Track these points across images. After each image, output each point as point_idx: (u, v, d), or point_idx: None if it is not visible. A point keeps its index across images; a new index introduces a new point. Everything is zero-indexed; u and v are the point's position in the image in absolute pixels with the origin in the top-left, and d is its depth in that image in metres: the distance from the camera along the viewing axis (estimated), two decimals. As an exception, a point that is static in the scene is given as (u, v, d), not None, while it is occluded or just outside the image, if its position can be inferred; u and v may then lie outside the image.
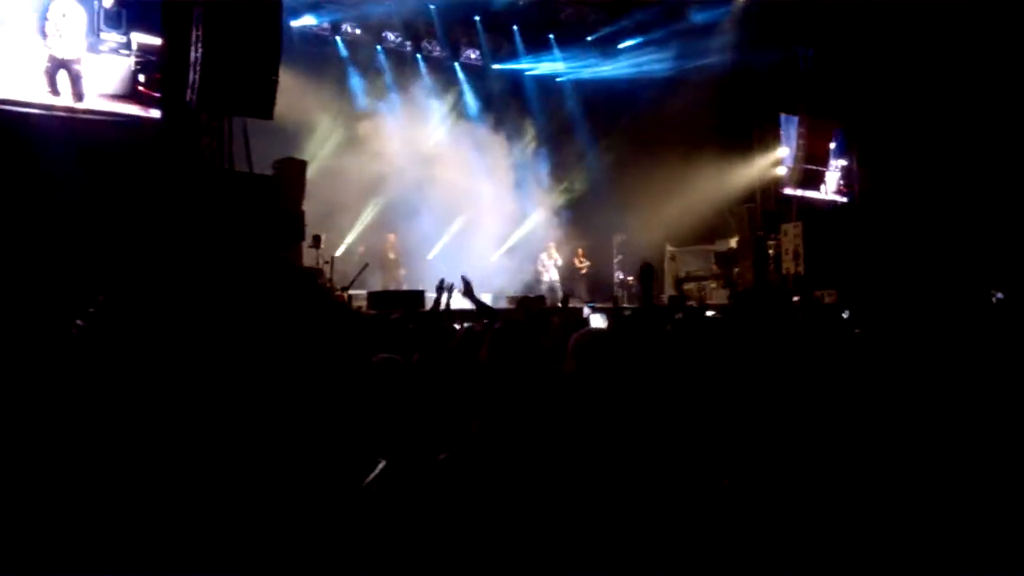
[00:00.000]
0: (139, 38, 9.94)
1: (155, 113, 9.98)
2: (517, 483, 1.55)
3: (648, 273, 4.45)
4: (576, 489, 1.70)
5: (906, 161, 15.65)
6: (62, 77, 9.45)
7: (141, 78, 9.96)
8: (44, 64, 9.35)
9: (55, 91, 9.38)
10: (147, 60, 9.99)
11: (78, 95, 9.50)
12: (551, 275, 15.90)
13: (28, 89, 9.27)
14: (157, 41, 10.05)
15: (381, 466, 1.06)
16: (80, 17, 9.54)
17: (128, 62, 9.90)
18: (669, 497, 1.90)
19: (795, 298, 12.02)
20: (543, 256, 16.05)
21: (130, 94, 9.91)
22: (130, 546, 0.75)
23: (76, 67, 9.52)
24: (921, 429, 2.53)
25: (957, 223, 14.34)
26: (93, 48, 9.69)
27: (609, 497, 1.75)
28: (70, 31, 9.47)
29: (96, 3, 9.67)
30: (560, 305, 9.43)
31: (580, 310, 10.80)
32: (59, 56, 9.41)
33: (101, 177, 8.86)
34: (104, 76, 9.78)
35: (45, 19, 9.33)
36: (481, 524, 1.18)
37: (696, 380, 2.68)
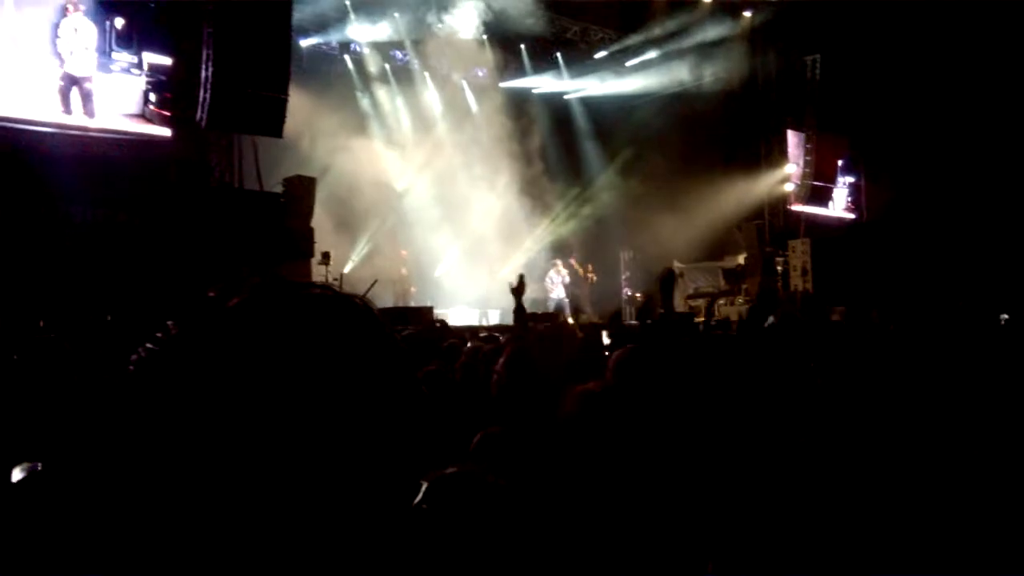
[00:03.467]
0: (150, 58, 10.04)
1: (166, 132, 10.06)
2: (545, 498, 1.54)
3: (669, 280, 4.32)
4: (614, 505, 1.69)
5: (915, 179, 15.63)
6: (74, 95, 9.50)
7: (152, 97, 10.05)
8: (58, 83, 9.40)
9: (68, 110, 9.44)
10: (157, 80, 10.09)
11: (90, 113, 9.56)
12: (559, 292, 15.83)
13: (41, 108, 9.34)
14: (168, 61, 10.14)
15: (424, 487, 1.06)
16: (92, 33, 9.58)
17: (139, 82, 9.99)
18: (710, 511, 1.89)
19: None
20: (552, 273, 15.82)
21: (141, 113, 9.99)
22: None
23: (88, 85, 9.57)
24: (927, 442, 2.53)
25: (966, 242, 14.30)
26: (104, 68, 9.77)
27: (647, 512, 1.74)
28: (83, 48, 9.52)
29: (107, 24, 9.76)
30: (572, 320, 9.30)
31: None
32: (73, 73, 9.47)
33: (113, 194, 8.92)
34: (115, 95, 9.85)
35: (57, 36, 9.37)
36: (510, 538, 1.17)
37: (726, 394, 2.67)
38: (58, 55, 9.41)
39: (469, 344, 4.91)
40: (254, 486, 0.72)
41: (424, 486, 1.11)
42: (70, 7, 9.42)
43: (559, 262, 15.83)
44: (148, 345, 0.82)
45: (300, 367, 0.76)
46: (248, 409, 0.73)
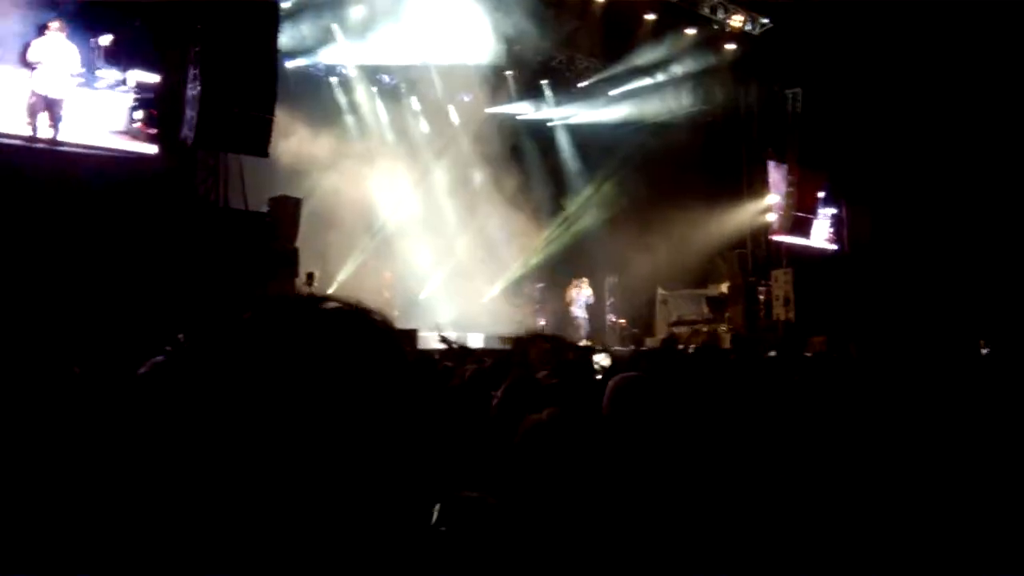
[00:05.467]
0: (136, 75, 9.98)
1: (152, 149, 9.97)
2: (554, 525, 1.50)
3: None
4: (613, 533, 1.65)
5: (895, 210, 15.84)
6: (44, 115, 9.14)
7: (138, 115, 9.97)
8: (28, 100, 9.11)
9: (34, 127, 9.14)
10: (144, 97, 10.02)
11: (56, 133, 9.23)
12: (582, 311, 15.14)
13: (13, 123, 9.11)
14: (155, 78, 10.09)
15: (438, 507, 1.02)
16: (71, 55, 9.32)
17: (125, 99, 9.93)
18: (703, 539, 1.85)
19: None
20: (572, 291, 15.30)
21: (127, 130, 9.91)
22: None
23: (59, 107, 9.24)
24: (906, 470, 2.53)
25: (947, 273, 14.48)
26: (89, 84, 9.67)
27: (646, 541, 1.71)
28: (58, 68, 9.20)
29: (93, 41, 9.68)
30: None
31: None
32: (42, 93, 9.14)
33: (98, 213, 8.79)
34: (101, 112, 9.77)
35: (29, 53, 9.06)
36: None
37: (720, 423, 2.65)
38: (32, 72, 9.06)
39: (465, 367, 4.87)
40: (271, 499, 0.70)
41: (438, 507, 1.08)
42: (51, 25, 9.07)
43: (585, 280, 15.45)
44: (158, 358, 0.79)
45: (316, 380, 0.74)
46: (260, 421, 0.71)
